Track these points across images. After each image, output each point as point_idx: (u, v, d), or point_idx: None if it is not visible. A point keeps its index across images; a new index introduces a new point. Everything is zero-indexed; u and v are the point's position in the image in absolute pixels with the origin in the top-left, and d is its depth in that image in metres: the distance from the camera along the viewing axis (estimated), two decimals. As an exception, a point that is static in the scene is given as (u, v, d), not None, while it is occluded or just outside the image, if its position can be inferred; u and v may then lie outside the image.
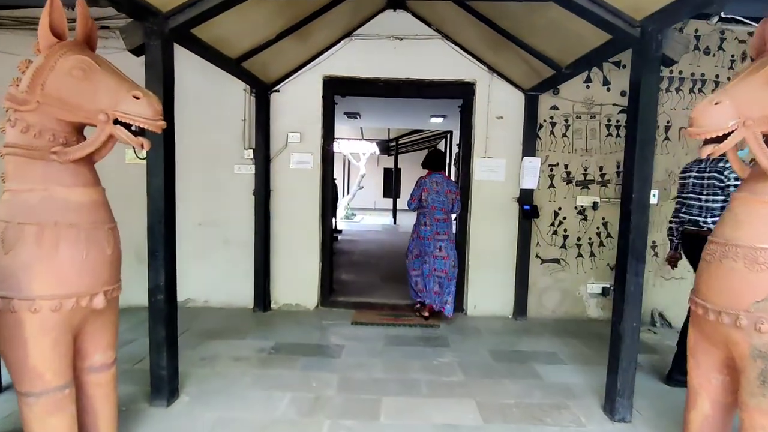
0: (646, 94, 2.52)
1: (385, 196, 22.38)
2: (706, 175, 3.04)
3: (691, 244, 3.13)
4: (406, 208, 4.88)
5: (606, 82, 4.60)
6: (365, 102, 7.49)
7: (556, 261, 4.75)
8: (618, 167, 4.65)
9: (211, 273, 4.73)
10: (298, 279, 4.79)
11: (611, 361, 2.75)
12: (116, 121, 1.81)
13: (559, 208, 4.71)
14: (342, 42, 4.57)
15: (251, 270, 4.66)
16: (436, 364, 3.50)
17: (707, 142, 1.80)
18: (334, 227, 6.48)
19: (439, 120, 9.34)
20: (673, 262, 3.43)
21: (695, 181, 3.12)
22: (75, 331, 1.88)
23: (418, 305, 4.66)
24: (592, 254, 4.74)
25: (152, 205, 2.62)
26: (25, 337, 1.72)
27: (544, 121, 4.64)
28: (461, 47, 4.56)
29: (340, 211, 13.70)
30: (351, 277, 6.40)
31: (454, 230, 4.65)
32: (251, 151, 4.59)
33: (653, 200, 4.48)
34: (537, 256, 4.74)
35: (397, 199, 16.13)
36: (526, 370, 3.45)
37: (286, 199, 4.72)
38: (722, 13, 3.71)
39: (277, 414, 2.71)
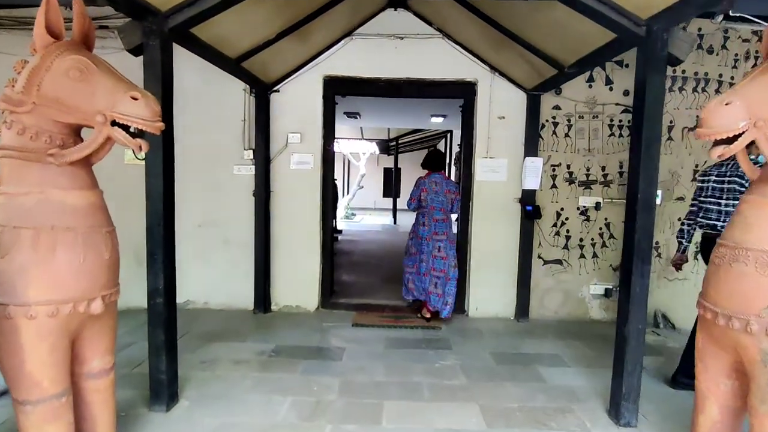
0: (651, 94, 2.49)
1: (385, 195, 22.35)
2: (727, 179, 2.97)
3: (708, 248, 3.08)
4: (406, 208, 4.85)
5: (609, 82, 4.57)
6: (365, 102, 7.46)
7: (559, 262, 4.71)
8: (621, 167, 4.62)
9: (211, 274, 4.70)
10: (298, 280, 4.75)
11: (616, 365, 2.71)
12: (114, 123, 1.77)
13: (562, 209, 4.67)
14: (342, 41, 4.54)
15: (251, 271, 4.63)
16: (438, 367, 3.47)
17: (717, 143, 1.76)
18: (334, 227, 6.44)
19: (440, 120, 9.31)
20: (679, 264, 3.37)
21: (715, 185, 3.04)
22: (72, 336, 1.84)
23: (422, 310, 4.60)
24: (595, 255, 4.70)
25: (151, 207, 2.59)
26: (21, 344, 1.68)
27: (547, 120, 4.60)
28: (463, 46, 4.53)
29: (340, 211, 13.66)
30: (351, 278, 6.37)
31: (454, 231, 4.62)
32: (251, 151, 4.55)
33: (657, 201, 4.44)
34: (539, 257, 4.70)
35: (397, 199, 16.09)
36: (529, 373, 3.41)
37: (286, 200, 4.68)
38: (730, 12, 3.66)
39: (277, 419, 2.68)
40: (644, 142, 2.51)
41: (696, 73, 4.49)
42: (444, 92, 4.78)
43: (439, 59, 4.54)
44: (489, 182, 4.64)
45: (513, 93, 4.56)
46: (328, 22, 3.96)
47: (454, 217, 4.81)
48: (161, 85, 2.53)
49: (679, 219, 4.56)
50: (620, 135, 4.61)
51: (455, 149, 13.02)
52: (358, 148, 15.97)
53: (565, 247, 4.70)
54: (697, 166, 4.54)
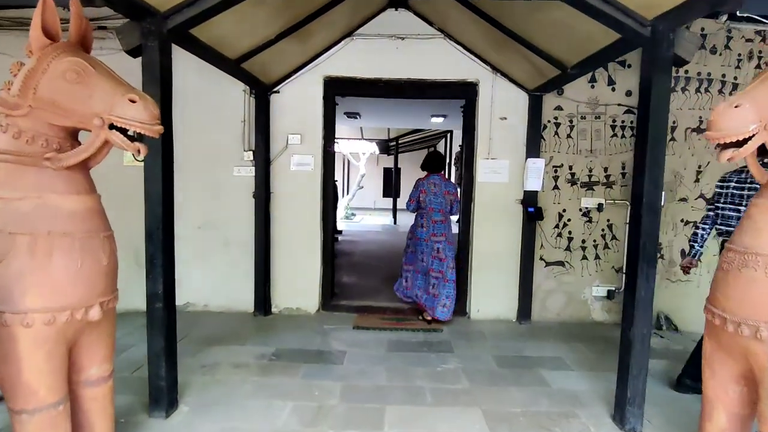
0: (657, 96, 2.45)
1: (384, 195, 22.31)
2: (747, 185, 2.90)
3: None
4: (405, 209, 4.83)
5: (611, 82, 4.54)
6: (365, 102, 7.42)
7: (561, 263, 4.68)
8: (623, 168, 4.59)
9: (211, 277, 4.66)
10: (298, 282, 4.72)
11: (621, 369, 2.68)
12: (112, 126, 1.73)
13: (564, 210, 4.64)
14: (343, 42, 4.50)
15: (251, 273, 4.60)
16: (440, 371, 3.44)
17: (726, 146, 1.73)
18: (334, 228, 6.40)
19: (440, 120, 9.27)
20: (688, 268, 3.28)
21: (734, 191, 2.97)
22: (70, 344, 1.81)
23: (424, 312, 4.57)
24: (597, 257, 4.67)
25: (150, 211, 2.55)
26: (17, 352, 1.65)
27: (548, 121, 4.57)
28: (464, 47, 4.49)
29: (340, 212, 13.62)
30: (352, 279, 6.33)
31: (453, 232, 4.60)
32: (251, 152, 4.51)
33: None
34: (541, 259, 4.67)
35: (397, 199, 16.06)
36: (532, 376, 3.38)
37: (286, 201, 4.65)
38: (738, 12, 3.63)
39: (278, 424, 2.64)
40: (650, 143, 2.48)
41: (699, 73, 4.45)
42: (445, 93, 4.74)
43: (440, 59, 4.51)
44: (490, 183, 4.61)
45: (515, 93, 4.53)
46: (328, 22, 3.93)
47: (454, 218, 4.79)
48: (160, 86, 2.49)
49: (682, 220, 4.55)
50: (623, 136, 4.58)
51: (455, 149, 13.01)
52: (357, 148, 15.93)
53: (567, 248, 4.67)
54: (700, 166, 4.51)
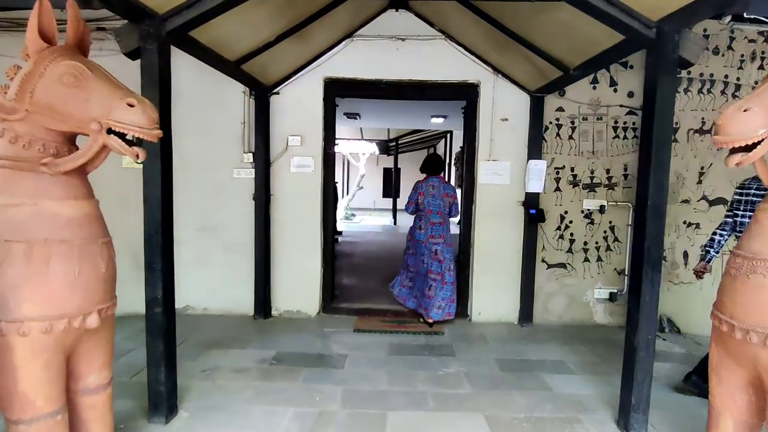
0: (662, 98, 2.42)
1: (384, 196, 22.27)
2: None
3: None
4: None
5: (613, 83, 4.51)
6: (365, 102, 7.39)
7: (563, 266, 4.65)
8: (625, 170, 4.56)
9: (211, 279, 4.63)
10: (299, 285, 4.69)
11: (625, 374, 2.65)
12: (110, 131, 1.70)
13: (566, 212, 4.62)
14: (343, 43, 4.47)
15: (251, 276, 4.56)
16: (442, 375, 3.41)
17: (734, 150, 1.70)
18: (334, 229, 6.35)
19: (440, 120, 9.25)
20: (701, 273, 3.19)
21: (755, 198, 2.91)
22: (67, 352, 1.78)
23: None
24: (599, 259, 4.64)
25: (149, 215, 2.52)
26: (14, 361, 1.62)
27: (550, 122, 4.55)
28: (465, 48, 4.46)
29: (340, 212, 13.59)
30: (352, 281, 6.30)
31: (451, 234, 4.60)
32: (251, 154, 4.48)
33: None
34: (543, 261, 4.64)
35: (397, 199, 16.03)
36: (534, 380, 3.36)
37: (286, 203, 4.62)
38: (744, 13, 3.60)
39: (279, 431, 2.61)
40: (654, 146, 2.45)
41: (701, 74, 4.43)
42: (446, 94, 4.71)
43: (441, 61, 4.48)
44: (492, 185, 4.58)
45: (516, 95, 4.51)
46: (328, 23, 3.90)
47: (455, 219, 4.77)
48: (159, 89, 2.46)
49: (685, 222, 4.52)
50: (625, 137, 4.56)
51: (455, 150, 12.98)
52: (357, 148, 15.90)
53: (569, 250, 4.64)
54: (702, 168, 4.48)
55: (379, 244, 10.18)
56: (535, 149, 4.47)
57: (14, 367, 1.62)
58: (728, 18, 3.97)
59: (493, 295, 4.67)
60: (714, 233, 3.17)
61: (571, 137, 4.56)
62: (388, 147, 16.04)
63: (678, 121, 4.45)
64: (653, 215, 2.49)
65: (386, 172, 21.98)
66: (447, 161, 14.32)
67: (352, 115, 8.80)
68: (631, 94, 4.50)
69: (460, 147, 6.53)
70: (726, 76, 4.43)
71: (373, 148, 15.96)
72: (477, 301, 4.69)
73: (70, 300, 1.70)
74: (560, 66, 3.60)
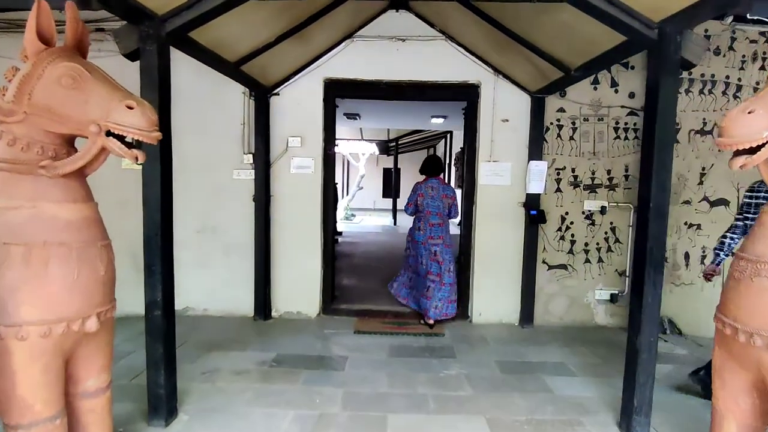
0: (664, 99, 2.41)
1: (384, 196, 22.25)
2: None
3: None
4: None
5: (614, 84, 4.50)
6: (365, 103, 7.38)
7: (564, 267, 4.64)
8: (626, 171, 4.55)
9: (211, 281, 4.62)
10: (299, 286, 4.68)
11: (627, 377, 2.64)
12: (109, 133, 1.69)
13: (567, 213, 4.60)
14: (343, 43, 4.46)
15: (251, 277, 4.55)
16: (442, 377, 3.40)
17: (738, 153, 1.69)
18: (334, 230, 6.31)
19: (440, 120, 9.24)
20: (710, 276, 3.15)
21: (764, 201, 2.86)
22: (66, 356, 1.76)
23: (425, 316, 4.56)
24: (600, 260, 4.63)
25: (148, 217, 2.50)
26: (12, 366, 1.60)
27: (551, 123, 4.53)
28: (466, 48, 4.45)
29: (340, 212, 13.57)
30: (352, 282, 6.29)
31: (451, 235, 4.60)
32: (251, 155, 4.47)
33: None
34: (544, 262, 4.63)
35: (397, 200, 16.01)
36: (535, 382, 3.34)
37: (286, 204, 4.60)
38: (748, 14, 3.59)
39: (280, 434, 2.61)
40: (657, 147, 2.44)
41: (702, 75, 4.41)
42: (446, 95, 4.71)
43: (441, 61, 4.47)
44: (493, 186, 4.57)
45: (517, 95, 4.49)
46: (328, 24, 3.88)
47: (456, 220, 4.77)
48: (158, 90, 2.45)
49: (686, 223, 4.51)
50: (626, 138, 4.54)
51: (455, 150, 12.97)
52: (357, 148, 15.88)
53: (570, 251, 4.63)
54: (703, 169, 4.47)
55: (379, 245, 10.17)
56: (535, 150, 4.45)
57: (12, 371, 1.61)
58: (730, 18, 3.96)
59: (494, 296, 4.65)
60: (724, 236, 3.11)
61: (572, 138, 4.55)
62: (387, 147, 16.02)
63: (679, 122, 4.43)
64: (655, 217, 2.48)
65: (386, 172, 21.96)
66: (447, 161, 14.31)
67: (352, 116, 8.79)
68: (632, 95, 4.49)
69: (461, 147, 6.52)
70: (727, 77, 4.42)
71: (373, 149, 15.95)
72: (478, 302, 4.68)
73: (69, 303, 1.69)
74: (561, 67, 3.59)
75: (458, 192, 4.87)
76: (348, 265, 7.39)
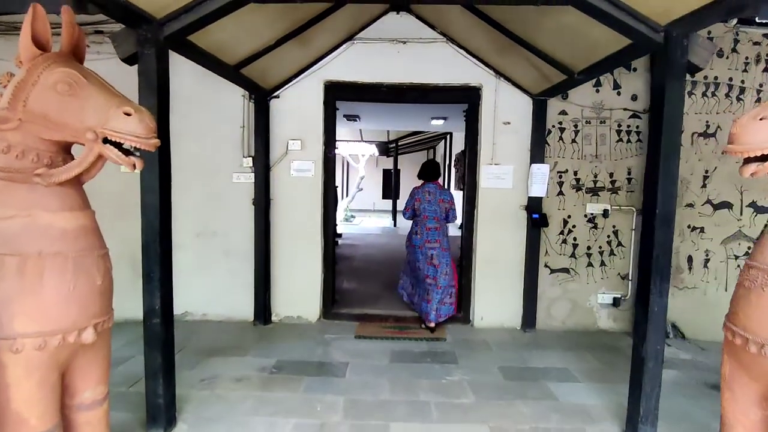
0: (670, 104, 2.39)
1: (384, 197, 22.22)
2: None
3: None
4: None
5: (616, 86, 4.46)
6: (365, 105, 7.33)
7: (566, 270, 4.61)
8: (629, 174, 4.52)
9: (210, 285, 4.57)
10: (299, 290, 4.64)
11: (633, 385, 2.61)
12: (106, 140, 1.65)
13: (569, 216, 4.57)
14: (344, 46, 4.42)
15: (251, 282, 4.51)
16: (445, 384, 3.36)
17: (749, 160, 1.65)
18: (334, 232, 6.25)
19: (440, 122, 9.20)
20: None
21: None
22: (62, 368, 1.72)
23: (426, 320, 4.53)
24: (603, 263, 4.60)
25: (146, 224, 2.47)
26: (6, 379, 1.56)
27: (553, 126, 4.50)
28: (467, 51, 4.42)
29: (340, 214, 13.54)
30: (352, 285, 6.25)
31: (448, 240, 4.58)
32: (250, 159, 4.43)
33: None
34: (546, 266, 4.60)
35: (397, 201, 15.95)
36: (539, 389, 3.30)
37: (286, 208, 4.57)
38: (757, 18, 3.56)
39: (280, 443, 2.57)
40: (663, 153, 2.41)
41: (706, 77, 4.38)
42: (447, 97, 4.67)
43: (442, 64, 4.43)
44: (494, 189, 4.54)
45: (518, 98, 4.46)
46: (328, 26, 3.85)
47: (456, 223, 4.74)
48: (157, 95, 2.41)
49: (689, 226, 4.47)
50: (628, 141, 4.51)
51: (455, 151, 12.93)
52: (357, 149, 15.84)
53: (573, 255, 4.60)
54: (707, 172, 4.43)
55: (379, 247, 10.13)
56: (537, 153, 4.42)
57: (6, 384, 1.57)
58: (734, 21, 3.92)
59: (496, 300, 4.62)
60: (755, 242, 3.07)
61: (574, 141, 4.52)
62: (387, 148, 15.98)
63: (682, 125, 4.39)
64: (662, 224, 2.44)
65: (386, 173, 21.92)
66: (447, 163, 14.29)
67: (351, 117, 8.75)
68: (634, 98, 4.46)
69: (461, 151, 6.48)
70: (730, 79, 4.39)
71: (373, 150, 15.91)
72: (479, 306, 4.65)
73: (65, 315, 1.64)
74: (564, 70, 3.55)
75: (459, 195, 4.84)
76: (348, 268, 7.35)
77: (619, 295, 4.56)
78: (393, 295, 5.59)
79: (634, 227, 4.52)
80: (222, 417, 2.81)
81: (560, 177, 4.54)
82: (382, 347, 4.04)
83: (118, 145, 1.67)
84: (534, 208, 4.46)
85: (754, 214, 4.39)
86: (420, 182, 4.69)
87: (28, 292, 1.58)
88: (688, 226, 4.47)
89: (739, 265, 4.41)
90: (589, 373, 3.58)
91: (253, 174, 4.43)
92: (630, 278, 4.54)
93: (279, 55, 3.75)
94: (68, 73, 1.62)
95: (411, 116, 8.74)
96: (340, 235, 11.16)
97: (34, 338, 1.58)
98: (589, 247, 4.59)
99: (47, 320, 1.61)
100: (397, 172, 16.43)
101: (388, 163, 19.41)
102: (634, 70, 4.44)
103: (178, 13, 2.38)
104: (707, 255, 4.46)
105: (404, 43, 4.42)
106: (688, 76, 4.28)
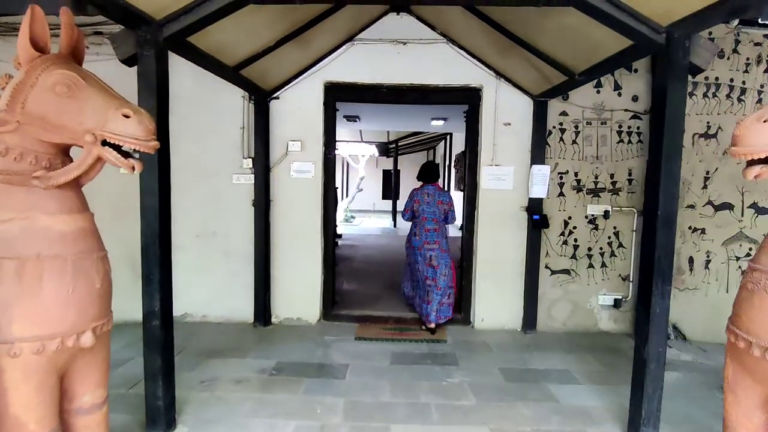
0: (672, 105, 2.37)
1: (384, 198, 22.21)
2: None
3: None
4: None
5: (617, 87, 4.45)
6: (365, 105, 7.31)
7: (566, 272, 4.59)
8: (630, 175, 4.50)
9: (210, 286, 4.56)
10: (299, 292, 4.63)
11: (635, 387, 2.60)
12: (105, 142, 1.64)
13: (569, 218, 4.56)
14: (344, 47, 4.41)
15: (251, 283, 4.50)
16: (445, 386, 3.35)
17: (752, 162, 1.64)
18: (334, 233, 6.25)
19: (440, 123, 9.19)
20: None
21: None
22: (61, 372, 1.71)
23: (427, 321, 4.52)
24: (604, 265, 4.58)
25: (146, 226, 2.46)
26: (3, 384, 1.55)
27: (554, 127, 4.49)
28: (467, 51, 4.41)
29: (340, 214, 13.53)
30: (352, 286, 6.23)
31: (447, 241, 4.59)
32: (250, 160, 4.42)
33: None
34: (546, 267, 4.58)
35: (397, 201, 15.94)
36: (540, 391, 3.29)
37: (286, 209, 4.55)
38: (760, 19, 3.55)
39: (280, 446, 2.56)
40: (664, 155, 2.40)
41: (706, 78, 4.37)
42: (448, 98, 4.66)
43: (442, 65, 4.42)
44: (495, 190, 4.52)
45: (519, 99, 4.45)
46: (329, 27, 3.84)
47: (457, 224, 4.73)
48: (156, 96, 2.40)
49: (690, 227, 4.46)
50: (629, 142, 4.50)
51: (455, 152, 12.92)
52: (357, 150, 15.83)
53: (573, 256, 4.59)
54: (707, 173, 4.42)
55: (380, 248, 10.11)
56: (538, 154, 4.41)
57: (4, 389, 1.56)
58: (735, 21, 3.91)
59: (496, 301, 4.61)
60: None
61: (574, 142, 4.51)
62: (387, 149, 15.96)
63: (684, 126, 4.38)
64: (663, 225, 2.43)
65: (386, 173, 21.91)
66: (447, 163, 14.28)
67: (351, 118, 8.74)
68: (635, 98, 4.45)
69: (462, 151, 6.48)
70: (731, 80, 4.37)
71: (373, 150, 15.90)
72: (480, 307, 4.63)
73: (64, 318, 1.63)
74: (565, 71, 3.54)
75: (460, 196, 4.83)
76: (348, 269, 7.34)
77: (620, 297, 4.55)
78: (393, 296, 5.59)
79: (634, 228, 4.51)
80: (222, 419, 2.80)
81: (561, 178, 4.53)
82: (382, 349, 4.03)
83: (117, 148, 1.66)
84: (535, 209, 4.45)
85: (755, 215, 4.38)
86: (419, 184, 4.69)
87: (27, 295, 1.57)
88: (689, 227, 4.46)
89: (740, 267, 4.40)
90: (590, 375, 3.56)
91: (253, 175, 4.42)
92: (631, 279, 4.53)
93: (279, 56, 3.74)
94: (67, 75, 1.61)
95: (411, 117, 8.73)
96: (340, 236, 11.15)
97: (32, 342, 1.57)
98: (589, 249, 4.58)
99: (46, 324, 1.60)
100: (397, 172, 16.42)
101: (388, 163, 19.39)
102: (635, 71, 4.43)
103: (178, 14, 2.37)
104: (708, 256, 4.45)
105: (404, 43, 4.41)
106: (689, 77, 4.32)
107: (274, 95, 4.44)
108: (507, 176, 4.51)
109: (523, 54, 3.76)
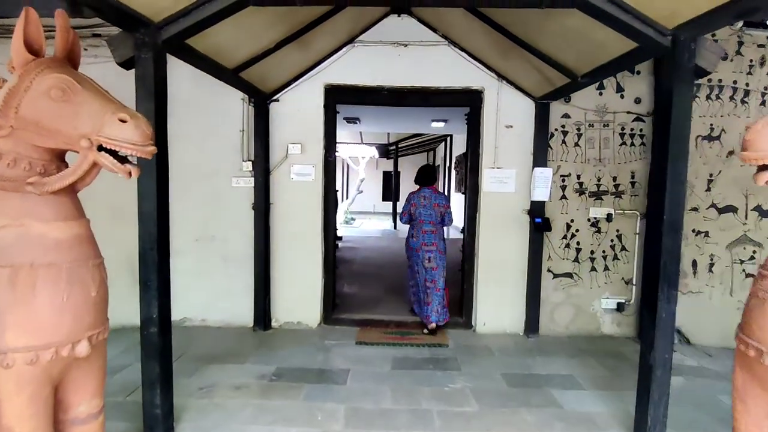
0: (678, 108, 2.34)
1: (384, 199, 22.18)
2: None
3: None
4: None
5: (620, 89, 4.42)
6: (366, 108, 7.27)
7: (569, 275, 4.56)
8: (633, 177, 4.47)
9: (209, 290, 4.52)
10: (299, 296, 4.59)
11: (641, 393, 2.56)
12: (101, 147, 1.60)
13: (572, 221, 4.52)
14: (344, 49, 4.38)
15: (251, 287, 4.46)
16: (447, 391, 3.30)
17: (763, 167, 1.60)
18: (334, 235, 6.20)
19: (441, 124, 9.15)
20: None
21: None
22: (55, 382, 1.67)
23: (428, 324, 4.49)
24: (606, 268, 4.55)
25: (144, 231, 2.42)
26: (-4, 395, 1.51)
27: (556, 129, 4.46)
28: (469, 54, 4.38)
29: (340, 216, 13.49)
30: (353, 289, 6.19)
31: (445, 243, 4.60)
32: (250, 163, 4.39)
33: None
34: (549, 271, 4.55)
35: (397, 203, 15.92)
36: (543, 396, 3.25)
37: (286, 212, 4.52)
38: (767, 21, 3.52)
39: (280, 455, 2.52)
40: (670, 159, 2.36)
41: (710, 80, 4.33)
42: (449, 101, 4.63)
43: (444, 67, 4.39)
44: (496, 193, 4.49)
45: (521, 101, 4.41)
46: (329, 29, 3.81)
47: (459, 225, 4.71)
48: (154, 100, 2.37)
49: (693, 230, 4.42)
50: (632, 144, 4.46)
51: (455, 154, 12.89)
52: (357, 152, 15.81)
53: (576, 259, 4.55)
54: (711, 175, 4.38)
55: (380, 250, 10.08)
56: (540, 156, 4.38)
57: (-3, 401, 1.52)
58: (740, 23, 3.88)
59: (498, 305, 4.57)
60: None
61: (577, 144, 4.47)
62: (387, 151, 15.95)
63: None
64: (669, 229, 2.40)
65: (386, 175, 21.89)
66: (447, 165, 14.25)
67: (351, 120, 8.71)
68: (638, 101, 4.41)
69: (462, 153, 6.45)
70: (735, 82, 4.34)
71: (373, 152, 15.88)
72: (481, 311, 4.59)
73: (58, 327, 1.59)
74: (568, 73, 3.51)
75: (460, 198, 4.80)
76: (348, 272, 7.30)
77: (623, 300, 4.51)
78: (394, 299, 5.56)
79: (638, 231, 4.47)
80: (220, 426, 2.75)
81: (563, 181, 4.49)
82: (383, 353, 3.99)
83: (113, 153, 1.63)
84: (537, 212, 4.41)
85: (759, 218, 4.34)
86: (416, 187, 4.70)
87: (20, 304, 1.53)
88: (693, 230, 4.42)
89: (744, 270, 4.36)
90: (594, 380, 3.53)
91: (252, 178, 4.39)
92: (634, 283, 4.50)
93: (279, 59, 3.71)
94: (62, 79, 1.57)
95: (411, 119, 8.70)
96: (340, 238, 11.09)
97: (25, 353, 1.53)
98: (592, 252, 4.54)
99: (39, 333, 1.55)
100: (397, 174, 16.40)
101: (388, 165, 19.37)
102: (638, 73, 4.39)
103: (176, 16, 2.33)
104: (712, 259, 4.41)
105: (405, 46, 4.38)
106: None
107: (274, 98, 4.41)
108: (509, 179, 4.47)
109: (525, 56, 3.72)
